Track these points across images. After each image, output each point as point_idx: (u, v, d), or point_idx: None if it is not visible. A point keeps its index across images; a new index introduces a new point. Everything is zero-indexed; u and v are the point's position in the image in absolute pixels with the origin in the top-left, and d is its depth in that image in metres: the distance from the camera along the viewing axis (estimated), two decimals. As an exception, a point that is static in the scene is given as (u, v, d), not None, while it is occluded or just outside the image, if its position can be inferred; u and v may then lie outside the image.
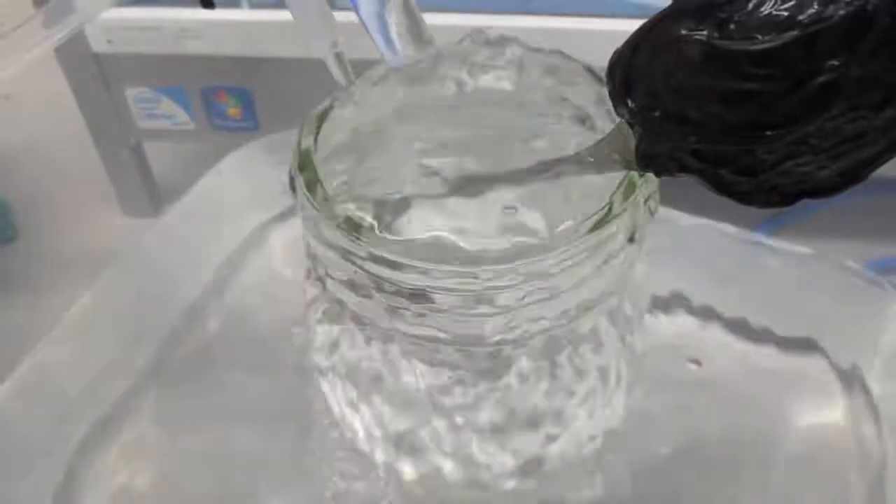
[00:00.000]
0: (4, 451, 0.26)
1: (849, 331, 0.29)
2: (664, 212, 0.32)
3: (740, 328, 0.30)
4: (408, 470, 0.22)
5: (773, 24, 0.12)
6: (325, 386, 0.22)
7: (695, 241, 0.30)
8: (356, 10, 0.18)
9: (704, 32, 0.12)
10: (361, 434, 0.22)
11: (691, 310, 0.30)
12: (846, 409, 0.28)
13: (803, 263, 0.31)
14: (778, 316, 0.30)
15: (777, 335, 0.29)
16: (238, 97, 0.36)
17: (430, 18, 0.20)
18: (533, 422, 0.19)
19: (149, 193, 0.39)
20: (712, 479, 0.25)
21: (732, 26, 0.12)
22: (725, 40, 0.12)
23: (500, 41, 0.18)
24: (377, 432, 0.21)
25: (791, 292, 0.30)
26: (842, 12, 0.11)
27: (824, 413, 0.28)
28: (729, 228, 0.31)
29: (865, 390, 0.28)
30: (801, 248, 0.31)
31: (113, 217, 0.40)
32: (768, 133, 0.13)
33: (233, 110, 0.36)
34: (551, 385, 0.19)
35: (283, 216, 0.36)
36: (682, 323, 0.30)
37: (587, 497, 0.24)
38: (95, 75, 0.35)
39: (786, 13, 0.11)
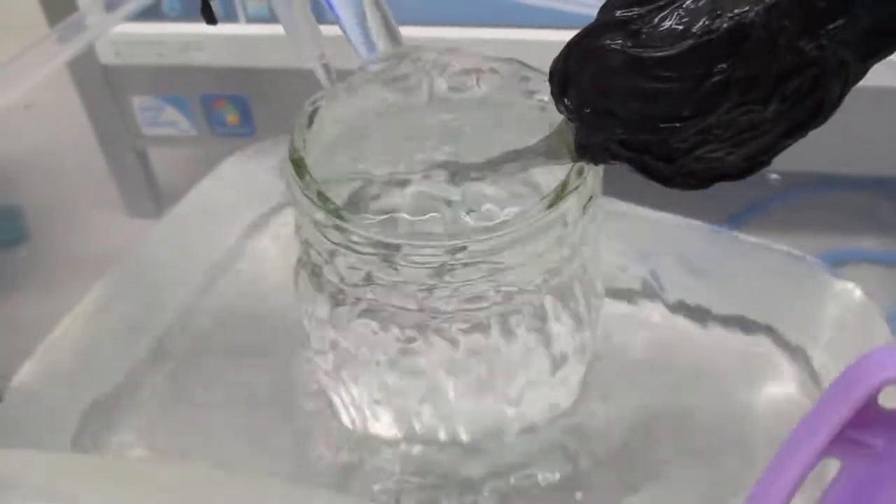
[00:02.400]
0: (17, 425, 0.28)
1: (798, 312, 0.31)
2: (635, 209, 0.35)
3: (705, 314, 0.32)
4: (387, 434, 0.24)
5: (673, 35, 0.14)
6: (315, 359, 0.25)
7: (668, 236, 0.33)
8: (337, 19, 0.20)
9: (620, 42, 0.15)
10: (344, 403, 0.25)
11: (658, 297, 0.33)
12: (794, 382, 0.30)
13: (763, 255, 0.33)
14: (737, 302, 0.32)
15: (735, 318, 0.32)
16: (236, 105, 0.38)
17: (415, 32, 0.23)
18: (489, 390, 0.22)
19: (153, 196, 0.42)
20: (667, 449, 0.27)
21: (643, 37, 0.15)
22: (638, 49, 0.15)
23: (460, 50, 0.20)
24: (357, 400, 0.24)
25: (750, 280, 0.33)
26: (726, 25, 0.14)
27: (774, 386, 0.30)
28: (698, 223, 0.33)
29: (810, 365, 0.31)
30: (762, 241, 0.33)
31: (118, 218, 0.43)
32: (677, 125, 0.15)
33: (231, 117, 0.39)
34: (507, 356, 0.21)
35: (277, 214, 0.39)
36: (650, 309, 0.32)
37: (548, 468, 0.26)
38: (103, 86, 0.37)
39: (682, 26, 0.14)
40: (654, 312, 0.31)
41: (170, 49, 0.36)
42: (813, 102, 0.15)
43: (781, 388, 0.30)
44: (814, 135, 0.28)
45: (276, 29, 0.25)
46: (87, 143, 0.40)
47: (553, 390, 0.24)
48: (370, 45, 0.21)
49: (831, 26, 0.14)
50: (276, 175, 0.39)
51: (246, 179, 0.39)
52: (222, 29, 0.36)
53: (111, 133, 0.39)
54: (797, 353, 0.31)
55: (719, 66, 0.14)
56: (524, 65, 0.21)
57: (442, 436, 0.24)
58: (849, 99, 0.26)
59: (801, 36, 0.14)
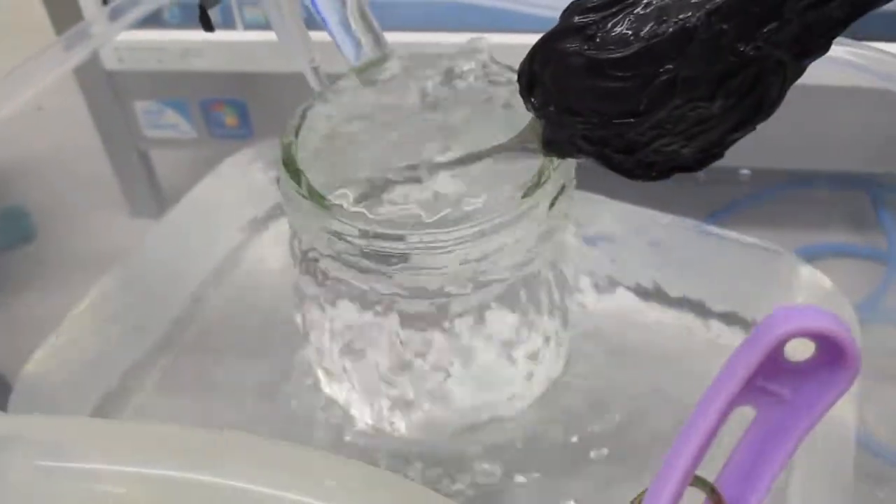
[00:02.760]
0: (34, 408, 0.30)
1: (765, 299, 0.33)
2: (633, 208, 0.36)
3: (682, 302, 0.34)
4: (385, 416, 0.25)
5: (625, 39, 0.16)
6: (310, 343, 0.26)
7: (659, 234, 0.34)
8: (325, 25, 0.22)
9: (578, 46, 0.16)
10: (339, 387, 0.26)
11: (638, 288, 0.34)
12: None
13: (739, 248, 0.35)
14: (711, 291, 0.34)
15: (707, 307, 0.34)
16: (234, 108, 0.40)
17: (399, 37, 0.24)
18: (470, 368, 0.23)
19: (154, 196, 0.43)
20: (640, 430, 0.28)
21: (598, 41, 0.16)
22: (593, 51, 0.16)
23: (432, 55, 0.22)
24: (353, 388, 0.25)
25: (725, 269, 0.34)
26: (671, 29, 0.15)
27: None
28: (687, 221, 0.35)
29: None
30: (740, 236, 0.35)
31: (121, 218, 0.44)
32: (631, 120, 0.17)
33: (230, 120, 0.40)
34: (492, 336, 0.23)
35: (275, 212, 0.40)
36: (628, 298, 0.34)
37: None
38: (107, 90, 0.38)
39: (632, 31, 0.16)
40: (626, 300, 0.33)
41: (170, 55, 0.37)
42: (755, 99, 0.16)
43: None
44: (788, 134, 0.29)
45: (273, 35, 0.27)
46: (91, 145, 0.42)
47: (526, 376, 0.25)
48: (356, 49, 0.23)
49: (766, 30, 0.15)
50: (273, 174, 0.40)
51: (244, 179, 0.41)
52: (221, 35, 0.37)
53: (114, 136, 0.41)
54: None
55: (666, 66, 0.16)
56: (497, 63, 0.22)
57: (432, 420, 0.25)
58: (817, 98, 0.28)
59: (740, 39, 0.15)
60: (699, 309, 0.34)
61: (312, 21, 0.24)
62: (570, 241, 0.24)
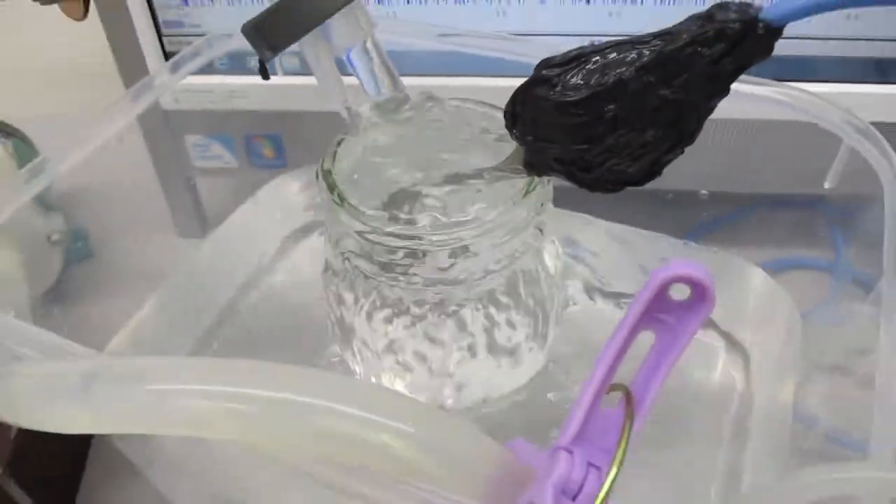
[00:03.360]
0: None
1: (731, 305, 0.38)
2: (622, 228, 0.42)
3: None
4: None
5: (578, 87, 0.22)
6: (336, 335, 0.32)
7: (641, 247, 0.40)
8: (353, 70, 0.28)
9: (547, 92, 0.22)
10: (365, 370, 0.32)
11: (616, 295, 0.39)
12: (727, 364, 0.37)
13: (712, 261, 0.40)
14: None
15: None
16: (271, 141, 0.46)
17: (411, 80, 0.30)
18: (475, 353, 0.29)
19: (200, 218, 0.49)
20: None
21: (560, 88, 0.22)
22: (557, 96, 0.22)
23: (439, 98, 0.28)
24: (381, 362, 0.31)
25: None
26: (611, 80, 0.21)
27: (711, 369, 0.37)
28: (669, 238, 0.40)
29: (741, 347, 0.37)
30: (712, 250, 0.40)
31: (170, 238, 0.50)
32: (587, 146, 0.22)
33: (267, 151, 0.46)
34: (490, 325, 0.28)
35: (306, 231, 0.46)
36: (608, 305, 0.39)
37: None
38: (163, 127, 0.45)
39: (584, 81, 0.21)
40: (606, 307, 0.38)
41: (218, 96, 0.43)
42: (678, 130, 0.22)
43: (716, 369, 0.37)
44: (739, 162, 0.36)
45: (306, 79, 0.33)
46: (146, 174, 0.48)
47: (508, 372, 0.31)
48: (378, 89, 0.29)
49: (678, 80, 0.21)
50: (304, 198, 0.46)
51: (279, 202, 0.47)
52: (260, 79, 0.43)
53: (167, 166, 0.47)
54: (731, 340, 0.37)
55: (609, 106, 0.21)
56: (488, 105, 0.28)
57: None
58: (761, 130, 0.34)
59: (661, 86, 0.21)
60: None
61: (342, 66, 0.30)
62: (552, 249, 0.30)
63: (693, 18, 0.20)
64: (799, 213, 0.45)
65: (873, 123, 0.29)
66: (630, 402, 0.17)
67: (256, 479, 0.27)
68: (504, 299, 0.29)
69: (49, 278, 0.45)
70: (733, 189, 0.40)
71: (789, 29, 0.19)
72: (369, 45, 0.28)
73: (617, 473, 0.16)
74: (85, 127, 0.35)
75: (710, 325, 0.38)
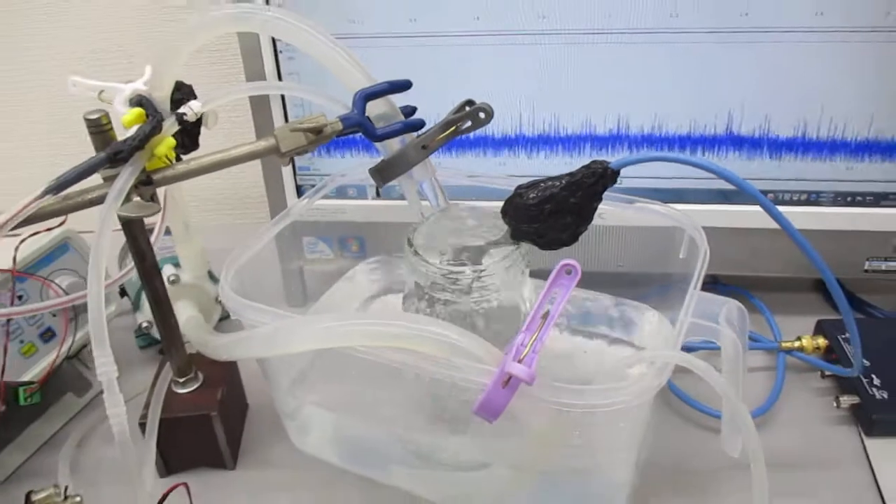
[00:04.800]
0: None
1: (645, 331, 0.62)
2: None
3: (594, 335, 0.63)
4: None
5: (533, 197, 0.47)
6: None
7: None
8: (424, 193, 0.54)
9: (519, 200, 0.48)
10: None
11: (573, 329, 0.63)
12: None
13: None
14: (620, 332, 0.63)
15: (611, 337, 0.63)
16: (357, 240, 0.72)
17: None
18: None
19: (303, 294, 0.74)
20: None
21: (524, 198, 0.48)
22: (523, 201, 0.48)
23: (467, 206, 0.54)
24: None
25: (625, 321, 0.64)
26: (548, 193, 0.47)
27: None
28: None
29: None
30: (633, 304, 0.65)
31: (281, 307, 0.75)
32: (538, 225, 0.48)
33: (354, 247, 0.72)
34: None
35: (377, 294, 0.71)
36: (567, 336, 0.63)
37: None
38: (290, 232, 0.71)
39: (535, 195, 0.47)
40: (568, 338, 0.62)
41: (326, 213, 0.70)
42: (581, 217, 0.47)
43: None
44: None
45: (376, 203, 0.59)
46: (272, 261, 0.73)
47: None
48: (437, 204, 0.55)
49: (578, 193, 0.46)
50: (376, 275, 0.72)
51: (359, 281, 0.72)
52: (356, 202, 0.70)
53: (288, 256, 0.73)
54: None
55: (547, 206, 0.47)
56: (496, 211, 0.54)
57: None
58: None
59: (571, 196, 0.46)
60: (608, 339, 0.63)
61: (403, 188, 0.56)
62: (531, 285, 0.54)
63: (583, 167, 0.46)
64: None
65: (714, 227, 0.54)
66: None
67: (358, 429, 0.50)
68: (497, 312, 0.53)
69: (212, 324, 0.70)
70: (640, 269, 0.65)
71: (666, 171, 0.45)
72: (432, 180, 0.54)
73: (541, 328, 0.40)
74: (251, 237, 0.60)
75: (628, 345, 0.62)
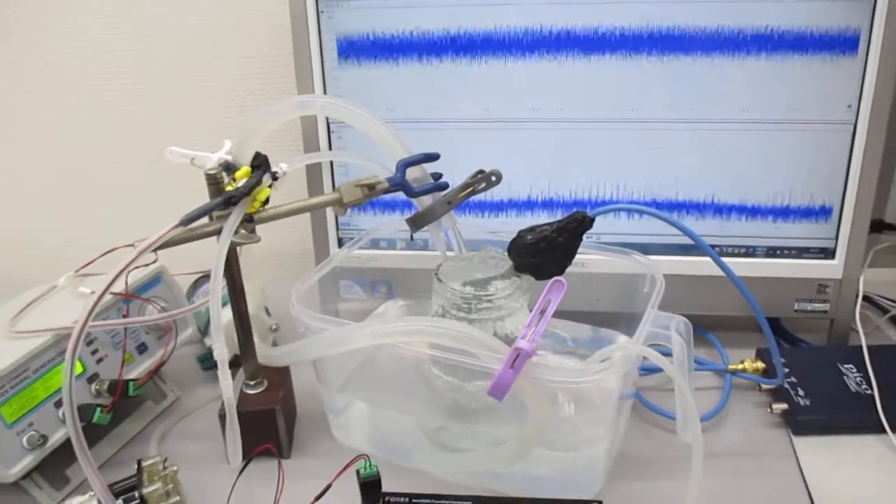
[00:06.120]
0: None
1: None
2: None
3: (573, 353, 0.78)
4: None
5: (530, 238, 0.64)
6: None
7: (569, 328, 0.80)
8: (448, 240, 0.71)
9: (520, 240, 0.64)
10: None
11: (556, 349, 0.79)
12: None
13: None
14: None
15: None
16: (386, 284, 0.88)
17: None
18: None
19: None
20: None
21: (524, 238, 0.64)
22: (524, 241, 0.64)
23: (485, 252, 0.71)
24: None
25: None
26: (542, 235, 0.64)
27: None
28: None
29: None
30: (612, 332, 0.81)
31: (320, 339, 0.90)
32: (535, 259, 0.64)
33: (383, 289, 0.88)
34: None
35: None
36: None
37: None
38: (330, 277, 0.87)
39: (531, 236, 0.64)
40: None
41: (361, 260, 0.86)
42: (566, 254, 0.64)
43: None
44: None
45: (400, 252, 0.76)
46: (313, 303, 0.89)
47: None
48: (459, 249, 0.71)
49: (564, 234, 0.63)
50: (402, 311, 0.87)
51: (388, 312, 0.88)
52: (385, 252, 0.87)
53: (326, 298, 0.88)
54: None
55: (542, 244, 0.63)
56: (503, 253, 0.71)
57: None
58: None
59: (559, 238, 0.63)
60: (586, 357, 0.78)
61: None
62: (525, 311, 0.70)
63: (568, 215, 0.63)
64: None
65: (673, 274, 0.70)
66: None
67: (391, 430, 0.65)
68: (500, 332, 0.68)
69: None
70: (613, 308, 0.81)
71: (635, 228, 0.62)
72: (455, 229, 0.71)
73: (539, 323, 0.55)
74: (303, 276, 0.76)
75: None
